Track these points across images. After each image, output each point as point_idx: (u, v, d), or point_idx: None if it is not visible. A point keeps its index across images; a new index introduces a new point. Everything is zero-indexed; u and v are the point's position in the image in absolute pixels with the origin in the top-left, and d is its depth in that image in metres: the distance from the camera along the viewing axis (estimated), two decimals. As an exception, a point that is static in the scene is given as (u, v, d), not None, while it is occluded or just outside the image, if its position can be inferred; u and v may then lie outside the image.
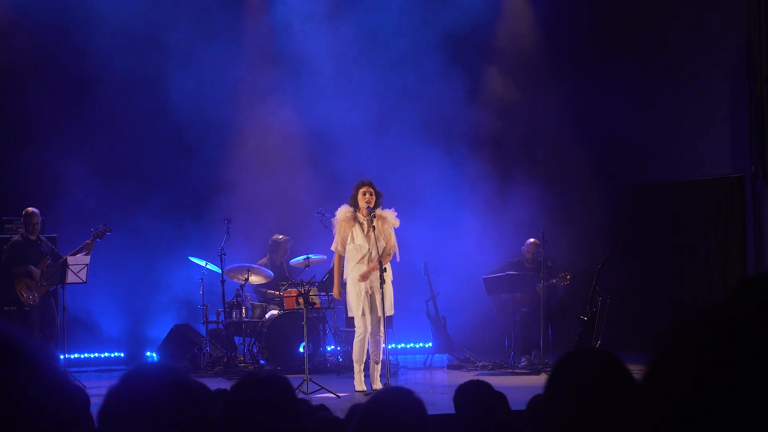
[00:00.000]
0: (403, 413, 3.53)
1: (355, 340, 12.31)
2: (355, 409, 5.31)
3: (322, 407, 6.04)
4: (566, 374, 2.74)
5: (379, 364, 12.22)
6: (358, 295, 12.14)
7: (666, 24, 16.53)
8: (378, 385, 12.08)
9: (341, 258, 12.32)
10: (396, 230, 12.42)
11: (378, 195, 12.28)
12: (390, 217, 12.28)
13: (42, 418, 1.38)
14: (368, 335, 12.20)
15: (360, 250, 12.12)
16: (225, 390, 5.08)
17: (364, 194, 12.20)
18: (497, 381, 12.01)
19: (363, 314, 12.13)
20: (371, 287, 12.12)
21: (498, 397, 5.48)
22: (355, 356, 12.31)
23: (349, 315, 12.80)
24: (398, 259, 12.42)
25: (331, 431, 5.09)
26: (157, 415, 2.23)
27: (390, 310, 12.26)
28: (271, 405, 3.29)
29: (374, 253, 12.04)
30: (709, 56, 15.99)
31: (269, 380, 3.38)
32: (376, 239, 12.04)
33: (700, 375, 1.43)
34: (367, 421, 3.55)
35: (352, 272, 12.20)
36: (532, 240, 15.29)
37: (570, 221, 16.43)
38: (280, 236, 15.87)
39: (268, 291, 15.49)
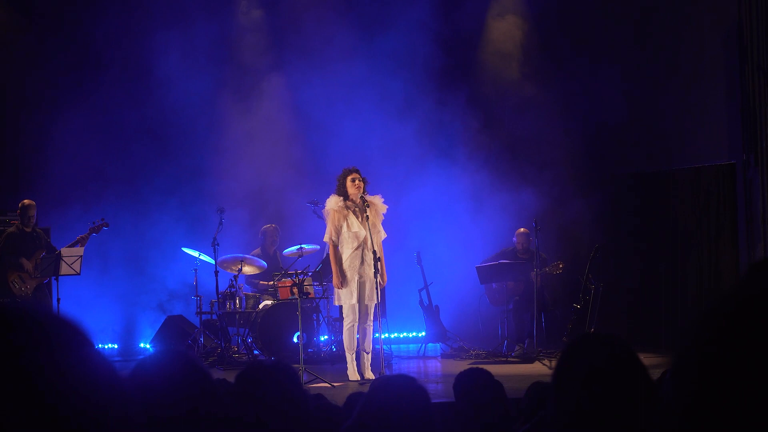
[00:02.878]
0: (406, 401, 3.54)
1: (345, 328, 12.33)
2: (354, 398, 5.34)
3: (320, 396, 6.07)
4: (576, 358, 2.76)
5: (370, 353, 12.26)
6: (350, 284, 12.16)
7: (655, 9, 16.52)
8: (369, 374, 12.12)
9: (336, 247, 12.32)
10: (388, 219, 12.46)
11: (365, 182, 12.29)
12: (378, 203, 12.30)
13: (78, 400, 1.40)
14: (356, 324, 12.24)
15: (357, 237, 12.13)
16: (224, 380, 5.10)
17: (354, 181, 12.20)
18: (491, 370, 12.01)
19: (353, 303, 12.16)
20: (362, 275, 12.14)
21: (497, 384, 5.50)
22: (345, 345, 12.34)
23: (335, 303, 12.81)
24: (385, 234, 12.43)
25: (330, 419, 5.11)
26: (175, 400, 2.25)
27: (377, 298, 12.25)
28: (277, 392, 3.32)
29: (370, 241, 12.06)
30: (700, 41, 15.98)
31: (275, 368, 3.41)
32: (371, 226, 12.06)
33: (725, 363, 1.44)
34: (369, 409, 3.56)
35: (345, 260, 12.20)
36: (522, 230, 15.32)
37: (563, 210, 16.44)
38: (267, 225, 15.93)
39: (260, 282, 15.51)
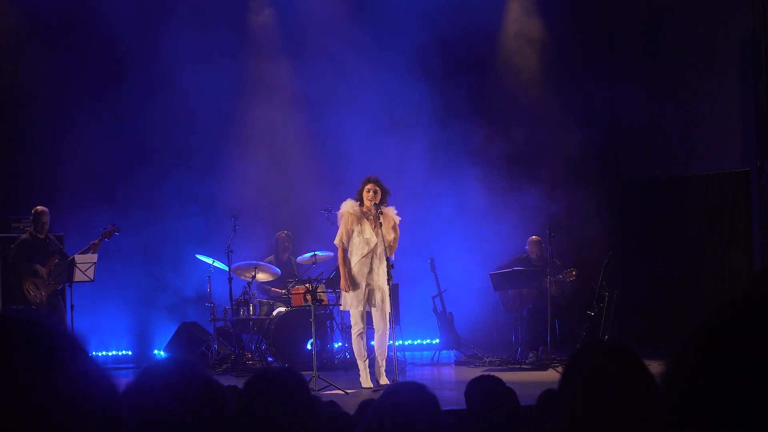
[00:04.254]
0: (416, 408, 3.53)
1: (353, 336, 12.30)
2: (365, 405, 5.33)
3: (333, 403, 6.07)
4: (581, 366, 2.75)
5: (384, 360, 12.22)
6: (357, 291, 12.13)
7: (670, 16, 16.49)
8: (384, 380, 12.07)
9: (345, 251, 12.31)
10: (403, 225, 12.40)
11: (384, 192, 12.25)
12: (391, 214, 12.26)
13: (73, 410, 1.40)
14: (365, 331, 12.22)
15: (368, 243, 12.10)
16: (235, 387, 5.10)
17: (368, 191, 12.18)
18: (505, 377, 11.97)
19: (360, 309, 12.14)
20: (370, 282, 12.11)
21: (509, 392, 5.49)
22: (356, 353, 12.31)
23: (342, 309, 12.79)
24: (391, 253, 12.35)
25: (342, 427, 5.10)
26: (177, 408, 2.25)
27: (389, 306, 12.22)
28: (285, 400, 3.31)
29: (380, 249, 12.05)
30: (715, 48, 15.96)
31: (283, 375, 3.40)
32: (384, 235, 12.04)
33: (726, 365, 1.44)
34: (379, 416, 3.55)
35: (353, 266, 12.18)
36: (533, 238, 15.27)
37: (577, 216, 16.41)
38: (281, 232, 15.94)
39: (273, 289, 15.52)
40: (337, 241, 12.37)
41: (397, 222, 12.25)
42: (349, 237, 12.22)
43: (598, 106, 16.95)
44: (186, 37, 15.99)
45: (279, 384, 3.37)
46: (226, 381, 7.25)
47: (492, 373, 5.61)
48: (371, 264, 12.14)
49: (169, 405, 2.26)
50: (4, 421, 1.37)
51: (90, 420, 1.41)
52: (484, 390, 5.29)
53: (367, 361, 12.23)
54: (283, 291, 15.06)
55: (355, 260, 12.16)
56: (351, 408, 6.06)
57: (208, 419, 2.27)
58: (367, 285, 12.14)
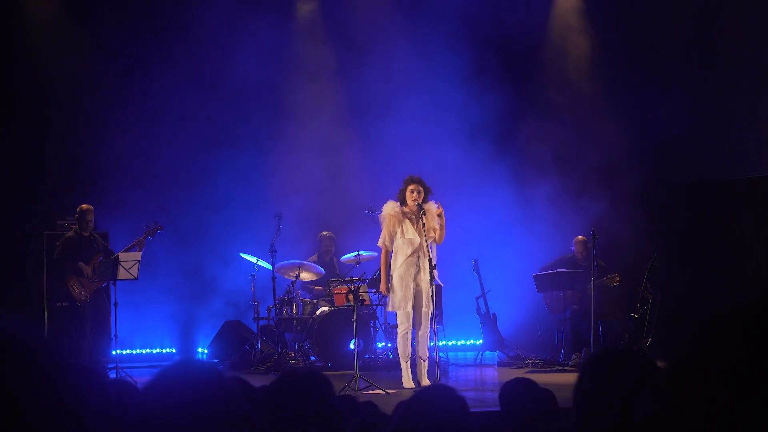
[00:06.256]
0: (444, 411, 3.52)
1: (399, 336, 12.26)
2: (399, 406, 5.31)
3: (370, 404, 6.05)
4: (594, 373, 2.72)
5: (426, 361, 12.19)
6: (405, 291, 12.11)
7: (717, 19, 16.39)
8: (426, 381, 12.04)
9: (388, 253, 12.29)
10: (447, 226, 12.34)
11: (427, 191, 12.23)
12: (432, 208, 12.21)
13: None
14: (410, 331, 12.18)
15: (412, 243, 12.06)
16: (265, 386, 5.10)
17: (412, 192, 12.15)
18: (547, 378, 12.01)
19: (408, 310, 12.10)
20: (419, 283, 12.08)
21: (544, 394, 5.45)
22: (400, 352, 12.27)
23: (389, 310, 12.77)
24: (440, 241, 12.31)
25: (378, 428, 5.09)
26: (188, 410, 2.24)
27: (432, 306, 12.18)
28: (307, 402, 3.30)
29: (425, 246, 12.02)
30: (761, 50, 15.86)
31: (307, 377, 3.39)
32: (426, 233, 12.03)
33: (727, 368, 1.42)
34: (407, 419, 3.54)
35: (400, 267, 12.15)
36: (580, 237, 15.22)
37: (621, 219, 16.31)
38: (324, 233, 15.99)
39: (315, 287, 15.56)
40: (380, 243, 12.37)
41: (442, 212, 12.20)
42: (392, 239, 12.20)
43: (643, 110, 16.85)
44: (234, 29, 16.12)
45: (303, 386, 3.36)
46: (269, 380, 7.25)
47: (532, 375, 5.60)
48: (418, 264, 12.11)
49: (180, 407, 2.25)
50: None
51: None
52: (517, 393, 5.27)
53: (409, 361, 12.21)
54: (322, 288, 15.13)
55: (400, 261, 12.13)
56: (390, 408, 6.05)
57: (221, 421, 2.27)
58: (415, 285, 12.11)
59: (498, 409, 5.87)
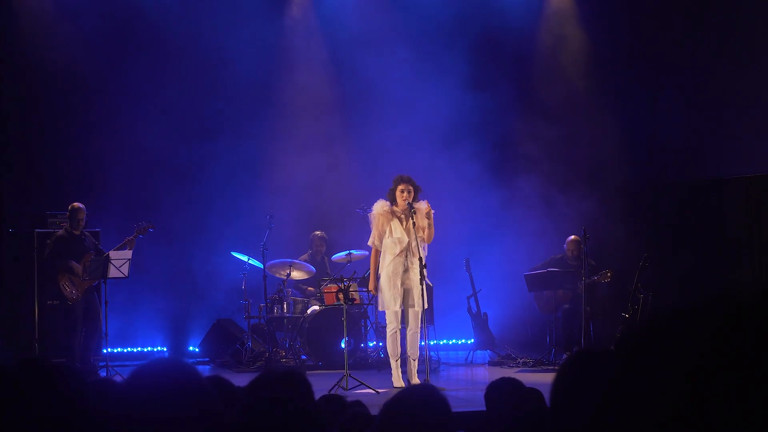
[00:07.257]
0: (426, 411, 3.52)
1: (388, 335, 12.26)
2: (383, 406, 5.32)
3: (358, 403, 6.05)
4: (569, 375, 2.72)
5: (416, 360, 12.19)
6: (393, 290, 12.10)
7: (710, 18, 16.40)
8: (415, 380, 12.05)
9: (378, 252, 12.29)
10: (438, 226, 12.34)
11: (417, 190, 12.21)
12: (422, 207, 12.18)
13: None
14: (399, 330, 12.18)
15: (400, 243, 12.05)
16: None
17: (402, 191, 12.14)
18: (538, 378, 12.01)
19: (396, 309, 12.09)
20: (408, 282, 12.08)
21: (531, 394, 5.46)
22: (389, 351, 12.27)
23: (379, 309, 12.76)
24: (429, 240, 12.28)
25: (363, 427, 5.09)
26: (163, 409, 2.24)
27: (424, 305, 12.17)
28: (285, 401, 3.30)
29: (414, 245, 12.01)
30: (753, 48, 15.86)
31: (285, 377, 3.39)
32: (416, 232, 12.02)
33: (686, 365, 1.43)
34: (389, 419, 3.54)
35: (387, 266, 12.14)
36: (572, 237, 15.22)
37: (612, 218, 16.32)
38: (316, 232, 15.99)
39: (308, 288, 15.57)
40: (370, 242, 12.37)
41: (431, 212, 12.17)
42: (382, 237, 12.20)
43: (636, 109, 16.87)
44: (226, 27, 16.16)
45: (282, 386, 3.36)
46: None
47: (523, 375, 5.62)
48: (406, 263, 12.11)
49: (155, 406, 2.25)
50: None
51: None
52: (502, 393, 5.27)
53: (399, 360, 12.22)
54: (315, 289, 15.13)
55: (388, 260, 12.13)
56: (379, 408, 6.04)
57: (193, 421, 2.26)
58: (403, 284, 12.11)
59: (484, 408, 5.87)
